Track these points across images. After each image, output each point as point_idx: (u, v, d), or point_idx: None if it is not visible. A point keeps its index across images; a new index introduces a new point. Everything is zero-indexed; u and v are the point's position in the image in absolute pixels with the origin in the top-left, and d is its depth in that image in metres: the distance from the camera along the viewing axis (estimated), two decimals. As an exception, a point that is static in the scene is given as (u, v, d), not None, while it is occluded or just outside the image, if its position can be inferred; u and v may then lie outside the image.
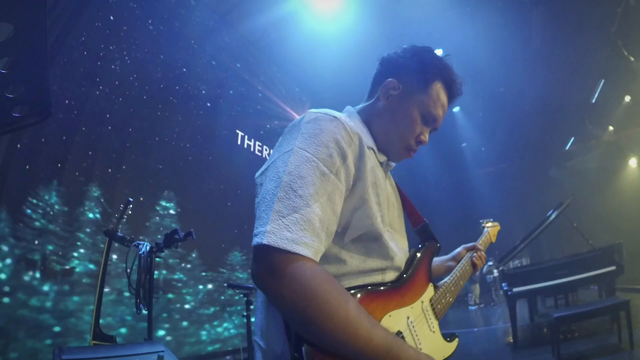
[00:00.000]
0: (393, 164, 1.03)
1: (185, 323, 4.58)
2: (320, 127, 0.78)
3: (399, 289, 0.87)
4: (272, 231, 0.65)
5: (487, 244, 1.36)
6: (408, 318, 0.85)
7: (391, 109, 0.97)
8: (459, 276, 1.14)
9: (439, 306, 0.97)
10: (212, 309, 4.95)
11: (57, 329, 3.31)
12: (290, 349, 0.69)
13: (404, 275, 0.91)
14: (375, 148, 0.94)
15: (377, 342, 0.67)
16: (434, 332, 0.93)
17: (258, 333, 0.82)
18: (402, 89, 0.97)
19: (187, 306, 4.66)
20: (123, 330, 3.81)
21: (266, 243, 0.65)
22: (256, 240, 0.67)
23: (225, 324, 5.05)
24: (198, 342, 4.67)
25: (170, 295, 4.49)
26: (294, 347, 0.68)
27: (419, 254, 0.98)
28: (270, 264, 0.65)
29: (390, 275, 0.88)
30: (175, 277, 4.60)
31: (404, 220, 1.04)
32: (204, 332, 4.78)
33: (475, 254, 1.23)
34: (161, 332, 4.24)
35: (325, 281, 0.66)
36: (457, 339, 0.99)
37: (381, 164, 0.96)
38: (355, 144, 0.81)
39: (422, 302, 0.92)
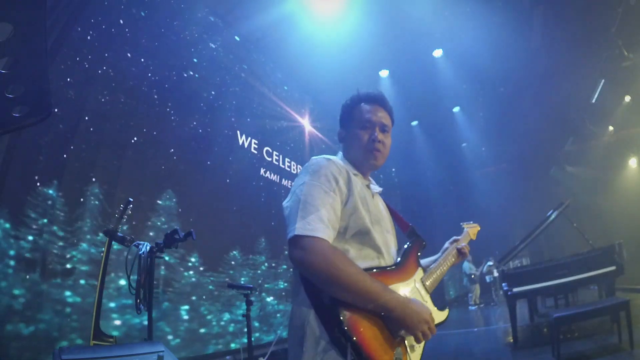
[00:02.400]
0: (380, 189, 1.39)
1: (185, 323, 4.58)
2: (320, 166, 1.21)
3: (395, 271, 1.24)
4: (300, 227, 1.07)
5: (467, 240, 1.69)
6: (403, 289, 1.20)
7: (346, 142, 1.39)
8: (442, 261, 1.47)
9: (428, 282, 1.32)
10: (212, 309, 4.95)
11: (56, 328, 3.31)
12: (328, 327, 1.02)
13: (398, 260, 1.28)
14: (358, 173, 1.32)
15: (377, 284, 1.07)
16: (426, 302, 1.25)
17: (296, 326, 1.10)
18: (344, 129, 1.41)
19: (187, 306, 4.66)
20: (123, 330, 3.81)
21: (297, 233, 1.06)
22: (290, 234, 1.08)
23: (225, 324, 5.05)
24: (198, 342, 4.67)
25: (170, 295, 4.49)
26: (332, 318, 1.01)
27: (408, 248, 1.36)
28: (302, 245, 1.05)
29: (385, 262, 1.23)
30: (175, 277, 4.60)
31: (395, 230, 1.41)
32: (204, 332, 4.78)
33: (461, 245, 1.57)
34: (161, 332, 4.24)
35: (338, 252, 1.09)
36: (447, 309, 1.33)
37: (368, 186, 1.34)
38: (343, 174, 1.23)
39: (415, 280, 1.28)
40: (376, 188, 1.38)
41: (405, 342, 1.10)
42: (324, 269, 1.01)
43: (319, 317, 1.04)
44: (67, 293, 3.48)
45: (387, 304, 1.04)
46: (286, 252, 1.31)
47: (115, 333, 3.26)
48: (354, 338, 0.98)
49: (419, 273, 1.32)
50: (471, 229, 1.76)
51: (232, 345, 4.98)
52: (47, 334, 3.22)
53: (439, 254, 1.57)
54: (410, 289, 1.22)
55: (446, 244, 1.61)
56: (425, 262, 1.48)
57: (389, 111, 1.38)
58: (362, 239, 1.20)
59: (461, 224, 1.79)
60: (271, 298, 6.05)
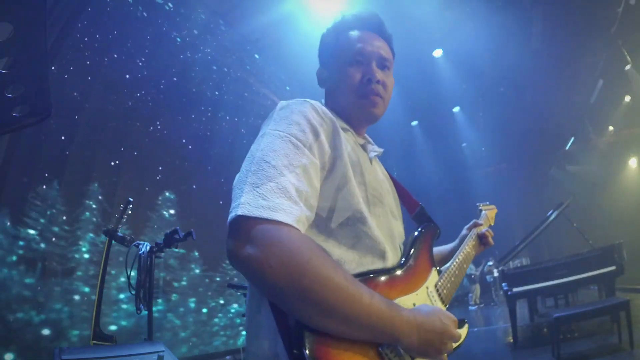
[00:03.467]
0: (380, 150, 0.99)
1: (185, 323, 4.57)
2: (291, 109, 0.79)
3: (401, 276, 0.82)
4: (246, 202, 0.62)
5: (487, 225, 1.30)
6: (414, 305, 0.79)
7: (330, 85, 0.98)
8: (463, 259, 1.06)
9: (444, 291, 0.91)
10: (212, 309, 4.95)
11: (56, 328, 3.30)
12: (287, 346, 0.63)
13: (404, 260, 0.86)
14: (350, 128, 0.92)
15: (377, 299, 0.65)
16: None
17: (247, 340, 0.76)
18: (325, 67, 1.00)
19: (187, 306, 4.66)
20: (123, 330, 3.81)
21: (241, 213, 0.61)
22: (230, 215, 0.63)
23: (225, 324, 5.04)
24: (198, 341, 4.67)
25: (170, 295, 4.48)
26: (294, 340, 0.62)
27: (417, 239, 0.93)
28: (249, 235, 0.60)
29: (389, 261, 0.83)
30: (176, 277, 4.60)
31: (401, 210, 1.01)
32: (204, 332, 4.78)
33: (484, 231, 1.19)
34: (161, 332, 4.23)
35: (314, 245, 0.64)
36: (466, 325, 0.92)
37: (362, 146, 0.94)
38: (327, 124, 0.81)
39: (427, 287, 0.87)
40: (375, 149, 0.97)
41: None
42: (289, 278, 0.59)
43: (286, 350, 0.63)
44: (67, 293, 3.48)
45: (395, 333, 0.66)
46: None
47: (115, 333, 3.26)
48: None
49: (433, 276, 0.91)
50: (490, 212, 1.37)
51: (232, 345, 4.98)
52: (46, 333, 3.22)
53: (455, 243, 1.19)
54: (422, 303, 0.82)
55: (464, 230, 1.22)
56: (437, 257, 1.07)
57: (389, 40, 0.99)
58: (355, 231, 0.78)
59: (478, 204, 1.41)
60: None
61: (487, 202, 1.42)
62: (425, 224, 1.00)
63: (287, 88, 7.65)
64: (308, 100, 0.83)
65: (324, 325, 0.61)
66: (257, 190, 0.64)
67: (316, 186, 0.73)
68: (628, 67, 8.11)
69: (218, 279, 5.12)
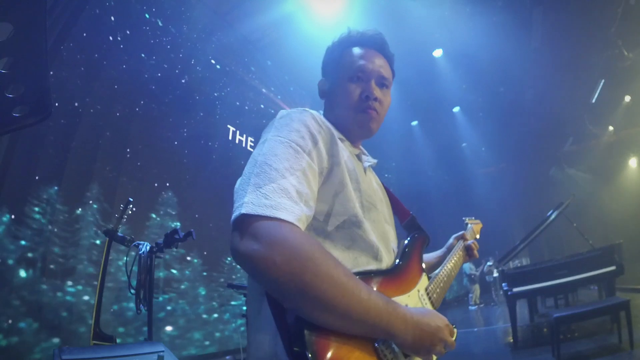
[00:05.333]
0: (374, 161, 1.04)
1: (185, 323, 4.58)
2: (291, 118, 0.83)
3: (394, 278, 0.87)
4: (249, 201, 0.66)
5: (472, 238, 1.37)
6: (406, 306, 0.82)
7: (330, 98, 1.02)
8: (451, 267, 1.13)
9: (434, 295, 0.97)
10: (212, 309, 4.95)
11: (56, 329, 3.30)
12: (286, 345, 0.65)
13: (397, 263, 0.91)
14: (346, 139, 0.97)
15: (375, 296, 0.69)
16: None
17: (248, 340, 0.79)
18: (327, 79, 1.04)
19: (187, 306, 4.66)
20: (123, 330, 3.81)
21: (245, 212, 0.64)
22: (234, 214, 0.66)
23: (225, 324, 5.05)
24: (198, 341, 4.67)
25: (170, 295, 4.49)
26: (294, 338, 0.64)
27: (409, 245, 1.00)
28: (253, 232, 0.63)
29: (383, 263, 0.87)
30: (175, 277, 4.60)
31: (393, 219, 1.07)
32: (204, 332, 4.78)
33: (469, 243, 1.25)
34: (161, 332, 4.24)
35: (316, 243, 0.68)
36: (455, 329, 0.95)
37: (357, 156, 0.99)
38: (325, 132, 0.85)
39: (419, 290, 0.93)
40: (369, 160, 1.02)
41: None
42: (292, 274, 0.61)
43: (285, 349, 0.65)
44: (67, 293, 3.48)
45: (391, 329, 0.69)
46: None
47: (115, 333, 3.26)
48: None
49: (424, 281, 0.97)
50: (475, 226, 1.43)
51: (232, 345, 4.98)
52: (46, 334, 3.22)
53: (442, 250, 1.24)
54: (414, 305, 0.87)
55: (451, 239, 1.27)
56: (428, 262, 1.15)
57: (390, 60, 1.04)
58: (351, 233, 0.82)
59: (464, 218, 1.47)
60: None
61: (473, 217, 1.49)
62: (416, 233, 1.06)
63: (291, 89, 7.65)
64: (307, 109, 0.89)
65: (323, 319, 0.64)
66: (260, 191, 0.67)
67: (314, 189, 0.77)
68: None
69: (220, 279, 5.12)
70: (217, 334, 4.93)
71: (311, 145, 0.80)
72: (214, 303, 5.01)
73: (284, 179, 0.70)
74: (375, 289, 0.77)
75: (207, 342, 4.78)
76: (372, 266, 0.84)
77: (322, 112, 1.02)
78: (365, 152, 1.05)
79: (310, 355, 0.61)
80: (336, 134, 0.90)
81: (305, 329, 0.63)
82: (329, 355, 0.63)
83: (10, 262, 3.12)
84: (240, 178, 0.75)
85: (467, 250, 1.23)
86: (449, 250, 1.23)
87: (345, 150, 0.90)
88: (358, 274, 0.77)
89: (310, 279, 0.62)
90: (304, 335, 0.63)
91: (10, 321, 3.00)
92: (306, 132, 0.80)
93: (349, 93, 0.96)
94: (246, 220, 0.64)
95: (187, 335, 4.56)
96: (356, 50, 0.99)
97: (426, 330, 0.74)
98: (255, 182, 0.69)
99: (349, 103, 0.96)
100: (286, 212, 0.66)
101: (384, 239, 0.91)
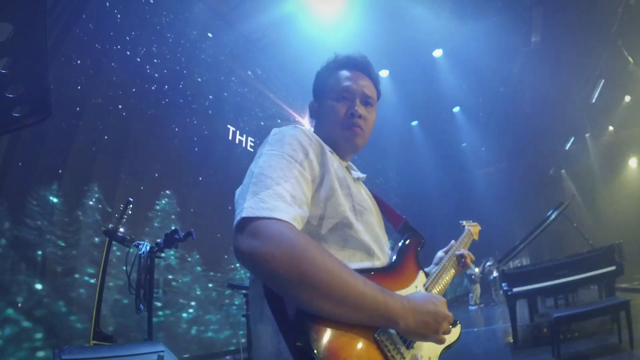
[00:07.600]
0: (363, 175, 1.10)
1: (185, 323, 4.58)
2: (283, 134, 0.91)
3: (390, 274, 0.93)
4: (248, 206, 0.73)
5: (468, 243, 1.37)
6: None
7: (320, 117, 1.10)
8: (444, 271, 1.13)
9: (433, 292, 1.00)
10: (211, 309, 4.95)
11: (56, 329, 3.30)
12: (289, 341, 0.69)
13: (393, 261, 0.97)
14: (335, 153, 1.02)
15: (370, 284, 0.73)
16: None
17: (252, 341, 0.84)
18: (317, 101, 1.13)
19: (187, 306, 4.66)
20: (123, 330, 3.81)
21: (245, 215, 0.71)
22: (236, 219, 0.73)
23: (225, 324, 5.04)
24: (198, 341, 4.67)
25: (169, 295, 4.49)
26: (296, 333, 0.68)
27: (404, 244, 1.05)
28: (253, 231, 0.70)
29: (377, 262, 0.92)
30: (175, 277, 4.60)
31: (384, 224, 1.11)
32: (204, 332, 4.78)
33: (463, 258, 1.22)
34: (161, 332, 4.24)
35: (310, 238, 0.74)
36: (459, 325, 1.00)
37: (346, 168, 1.05)
38: (315, 145, 0.93)
39: (416, 287, 0.97)
40: (358, 174, 1.09)
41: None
42: (290, 265, 0.66)
43: (288, 346, 0.70)
44: (67, 293, 3.48)
45: (391, 315, 0.72)
46: None
47: (114, 333, 3.26)
48: None
49: (421, 277, 1.00)
50: (473, 228, 1.43)
51: (232, 345, 4.98)
52: (46, 334, 3.22)
53: (431, 267, 1.20)
54: None
55: (439, 253, 1.26)
56: None
57: (375, 80, 1.11)
58: (344, 235, 0.88)
59: (461, 222, 1.47)
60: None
61: (471, 220, 1.50)
62: (410, 234, 1.10)
63: (291, 88, 7.64)
64: (298, 125, 0.97)
65: (322, 307, 0.68)
66: (258, 197, 0.75)
67: (308, 195, 0.84)
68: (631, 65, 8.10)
69: (220, 279, 5.12)
70: (217, 334, 4.93)
71: (302, 156, 0.87)
72: (214, 303, 5.01)
73: (279, 186, 0.77)
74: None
75: (207, 342, 4.78)
76: (368, 263, 0.89)
77: (312, 130, 1.08)
78: (354, 167, 1.12)
79: (312, 350, 0.64)
80: (326, 147, 0.97)
81: (306, 325, 0.67)
82: (330, 348, 0.67)
83: (10, 262, 3.12)
84: (239, 188, 0.83)
85: (459, 259, 1.21)
86: (438, 262, 1.21)
87: (335, 161, 0.96)
88: (357, 270, 0.79)
89: (307, 268, 0.67)
90: (305, 331, 0.66)
91: (10, 321, 3.00)
92: (298, 145, 0.88)
93: (335, 111, 1.04)
94: (246, 222, 0.71)
95: (187, 335, 4.56)
96: (343, 73, 1.08)
97: (427, 313, 0.77)
98: (253, 190, 0.76)
99: (336, 120, 1.04)
100: (282, 212, 0.73)
101: (377, 241, 0.95)
